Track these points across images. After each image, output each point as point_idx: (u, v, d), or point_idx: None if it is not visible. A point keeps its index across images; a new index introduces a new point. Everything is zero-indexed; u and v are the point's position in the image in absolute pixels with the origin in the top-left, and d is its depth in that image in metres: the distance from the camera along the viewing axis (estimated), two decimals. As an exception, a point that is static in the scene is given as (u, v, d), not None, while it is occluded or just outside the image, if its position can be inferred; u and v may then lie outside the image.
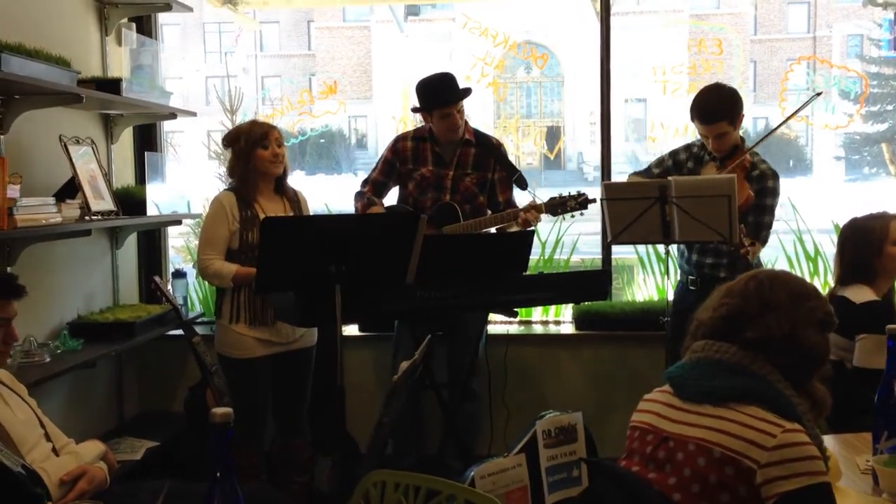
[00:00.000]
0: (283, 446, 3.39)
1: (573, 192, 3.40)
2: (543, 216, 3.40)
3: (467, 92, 3.48)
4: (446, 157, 3.52)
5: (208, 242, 3.14)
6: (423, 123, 3.62)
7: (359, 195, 3.60)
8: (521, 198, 3.58)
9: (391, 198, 3.69)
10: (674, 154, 3.47)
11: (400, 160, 3.57)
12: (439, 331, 3.36)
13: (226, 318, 3.17)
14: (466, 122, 3.54)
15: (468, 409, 3.60)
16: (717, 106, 3.20)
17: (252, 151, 3.15)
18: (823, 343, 1.72)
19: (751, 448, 1.54)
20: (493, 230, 3.51)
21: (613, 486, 1.68)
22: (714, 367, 1.69)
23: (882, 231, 2.90)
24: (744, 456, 1.54)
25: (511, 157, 3.67)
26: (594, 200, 3.38)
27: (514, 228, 3.45)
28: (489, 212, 3.55)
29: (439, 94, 3.44)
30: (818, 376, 1.73)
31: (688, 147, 3.47)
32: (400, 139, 3.63)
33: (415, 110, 3.58)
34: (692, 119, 3.27)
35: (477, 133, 3.59)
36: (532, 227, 3.38)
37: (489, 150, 3.52)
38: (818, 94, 3.34)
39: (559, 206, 3.37)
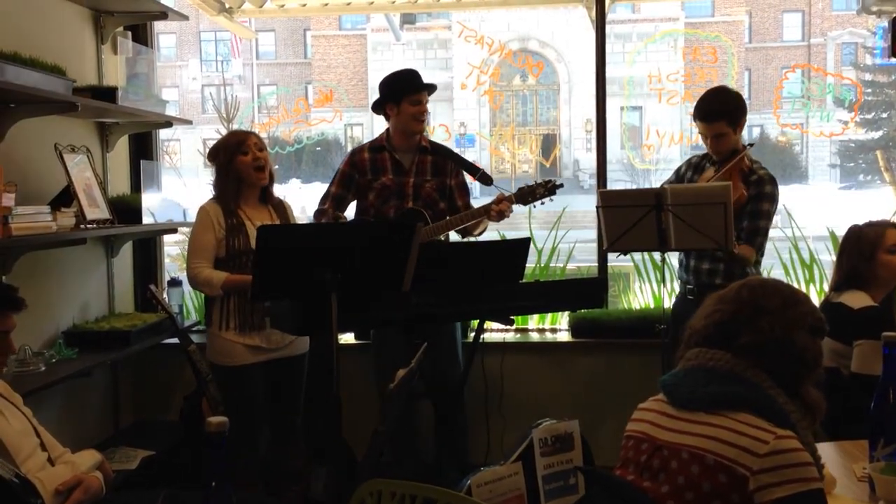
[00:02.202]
0: (278, 454, 3.38)
1: (540, 181, 3.41)
2: (515, 206, 3.40)
3: (434, 85, 3.53)
4: (405, 164, 3.52)
5: (196, 251, 3.14)
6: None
7: (320, 213, 3.54)
8: (489, 195, 3.56)
9: (349, 211, 3.64)
10: (677, 171, 3.54)
11: (359, 172, 3.53)
12: (420, 339, 3.36)
13: (216, 325, 3.17)
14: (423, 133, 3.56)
15: (460, 418, 3.60)
16: (718, 105, 3.25)
17: (232, 161, 3.15)
18: (816, 347, 1.73)
19: (743, 455, 1.54)
20: (480, 236, 3.52)
21: (609, 495, 1.68)
22: (707, 375, 1.69)
23: (876, 238, 2.89)
24: (736, 463, 1.54)
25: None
26: (562, 185, 3.42)
27: (483, 226, 3.47)
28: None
29: (410, 80, 3.47)
30: (811, 381, 1.73)
31: (688, 160, 3.53)
32: (357, 151, 3.61)
33: (376, 107, 3.53)
34: (694, 118, 3.32)
35: (432, 142, 3.61)
36: (506, 217, 3.39)
37: (446, 155, 3.55)
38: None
39: (529, 195, 3.37)
